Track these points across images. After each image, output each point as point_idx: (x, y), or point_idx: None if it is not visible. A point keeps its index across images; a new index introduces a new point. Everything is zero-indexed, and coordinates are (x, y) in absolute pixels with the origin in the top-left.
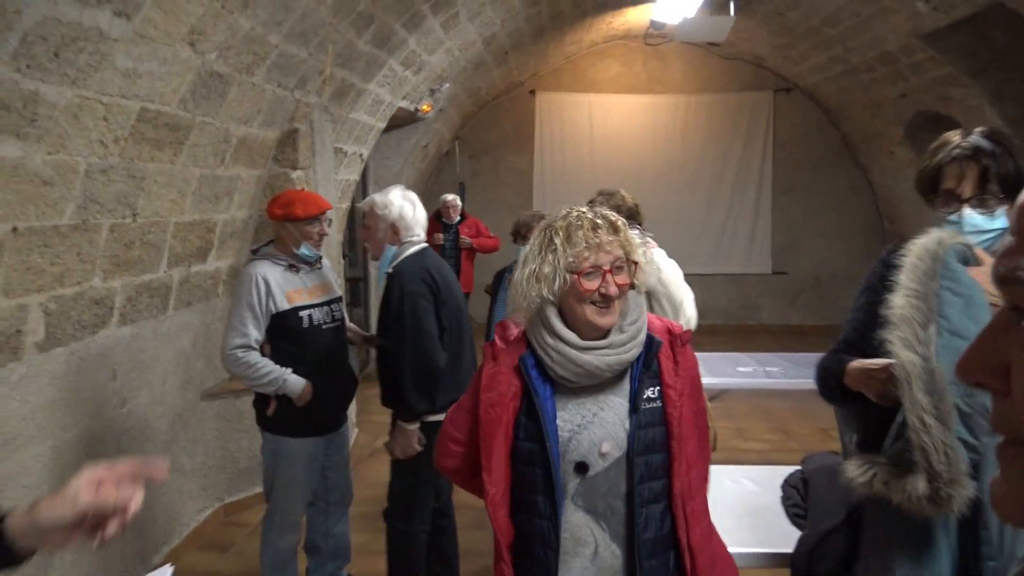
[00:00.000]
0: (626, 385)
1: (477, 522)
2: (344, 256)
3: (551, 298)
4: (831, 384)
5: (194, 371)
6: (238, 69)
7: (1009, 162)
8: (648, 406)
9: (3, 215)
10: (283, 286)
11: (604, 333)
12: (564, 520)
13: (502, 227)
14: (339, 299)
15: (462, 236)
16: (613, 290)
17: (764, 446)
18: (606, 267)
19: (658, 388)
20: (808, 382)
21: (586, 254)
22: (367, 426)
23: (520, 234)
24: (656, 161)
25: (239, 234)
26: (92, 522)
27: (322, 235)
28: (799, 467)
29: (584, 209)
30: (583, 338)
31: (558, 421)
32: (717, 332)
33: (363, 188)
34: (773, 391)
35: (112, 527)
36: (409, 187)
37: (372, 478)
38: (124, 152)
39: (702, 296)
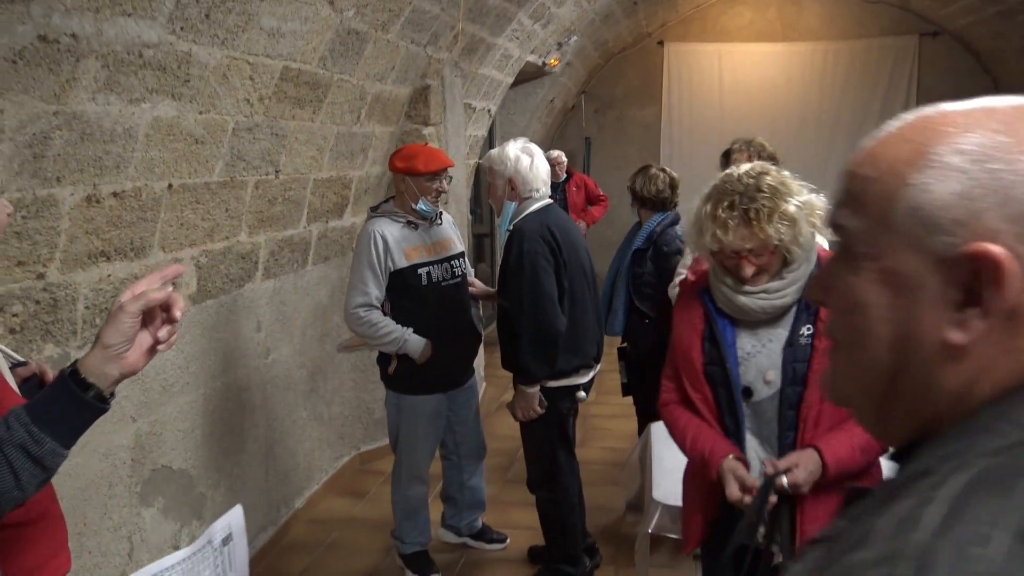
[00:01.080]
0: (791, 319)
1: (602, 477)
2: (472, 212)
3: (702, 252)
4: None
5: (331, 324)
6: (374, 26)
7: None
8: (804, 342)
9: (160, 173)
10: (401, 243)
11: (768, 280)
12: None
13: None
14: (461, 255)
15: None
16: (747, 273)
17: None
18: (742, 253)
19: (814, 326)
20: None
21: (721, 236)
22: (495, 380)
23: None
24: (789, 113)
25: (373, 190)
26: (148, 326)
27: (440, 192)
28: None
29: (736, 181)
30: (744, 283)
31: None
32: None
33: (490, 144)
34: None
35: (164, 330)
36: (535, 142)
37: (501, 431)
38: (268, 110)
39: None
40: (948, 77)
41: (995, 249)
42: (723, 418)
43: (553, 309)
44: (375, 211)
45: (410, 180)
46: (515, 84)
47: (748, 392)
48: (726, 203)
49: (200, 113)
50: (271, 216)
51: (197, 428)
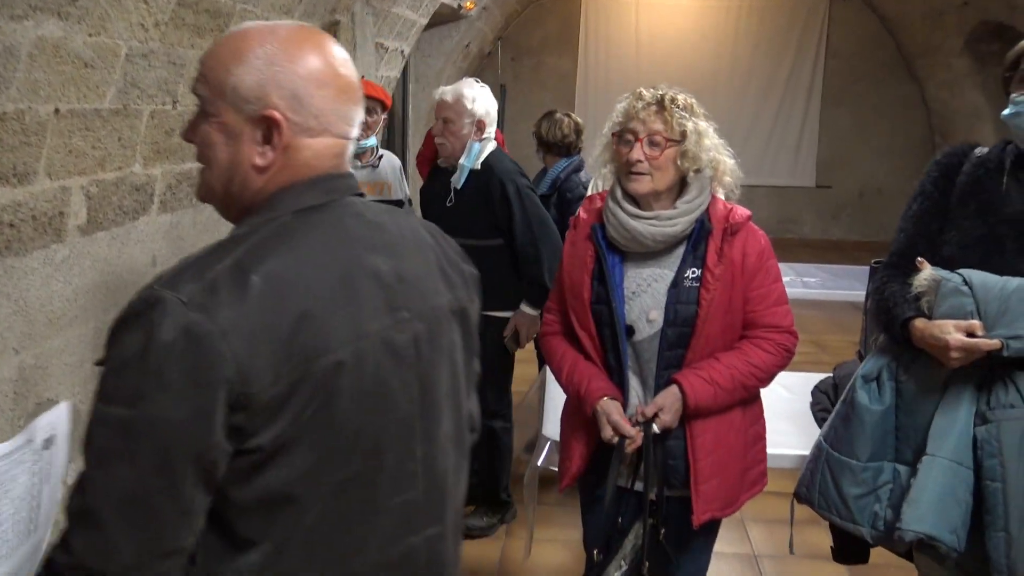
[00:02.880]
0: (678, 260)
1: None
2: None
3: (606, 158)
4: (893, 329)
5: None
6: None
7: None
8: (688, 284)
9: (46, 96)
10: None
11: (659, 205)
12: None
13: None
14: (399, 203)
15: None
16: (635, 155)
17: (798, 358)
18: (640, 135)
19: (701, 270)
20: (845, 294)
21: (622, 119)
22: None
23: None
24: (703, 67)
25: None
26: None
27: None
28: (831, 375)
29: (659, 87)
30: (638, 207)
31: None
32: None
33: (403, 86)
34: (809, 301)
35: None
36: (449, 87)
37: None
38: (165, 37)
39: (743, 206)
40: (854, 39)
41: (276, 114)
42: (607, 356)
43: (555, 229)
44: None
45: None
46: (430, 26)
47: (631, 331)
48: (635, 95)
49: (89, 35)
50: (168, 148)
51: (86, 361)
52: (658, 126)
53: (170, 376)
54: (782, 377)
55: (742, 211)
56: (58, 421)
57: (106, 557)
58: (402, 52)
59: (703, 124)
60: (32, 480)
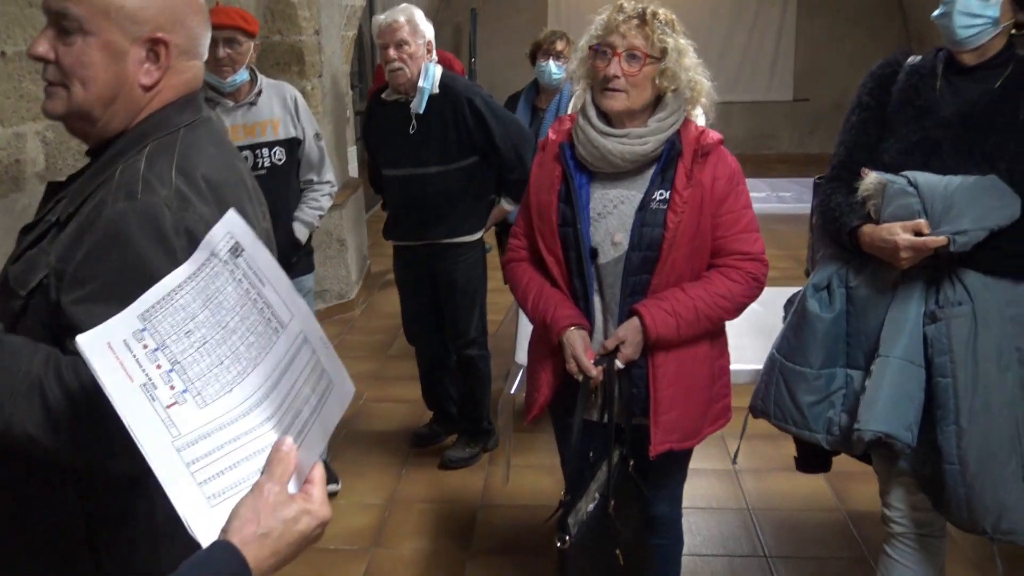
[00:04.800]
0: (646, 182)
1: None
2: (353, 87)
3: (581, 73)
4: (841, 238)
5: None
6: None
7: None
8: (655, 207)
9: None
10: None
11: (632, 124)
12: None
13: (517, 55)
14: (276, 144)
15: None
16: (613, 70)
17: (776, 273)
18: (618, 50)
19: (669, 192)
20: None
21: (601, 32)
22: (380, 259)
23: (542, 50)
24: None
25: None
26: None
27: (219, 60)
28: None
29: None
30: (611, 126)
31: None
32: None
33: (369, 13)
34: (785, 216)
35: None
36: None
37: (383, 308)
38: None
39: (719, 126)
40: None
41: (162, 35)
42: (572, 281)
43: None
44: None
45: None
46: None
47: (595, 253)
48: (615, 7)
49: None
50: None
51: None
52: (638, 41)
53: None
54: None
55: (714, 134)
56: (233, 227)
57: None
58: None
59: (683, 42)
60: (242, 286)
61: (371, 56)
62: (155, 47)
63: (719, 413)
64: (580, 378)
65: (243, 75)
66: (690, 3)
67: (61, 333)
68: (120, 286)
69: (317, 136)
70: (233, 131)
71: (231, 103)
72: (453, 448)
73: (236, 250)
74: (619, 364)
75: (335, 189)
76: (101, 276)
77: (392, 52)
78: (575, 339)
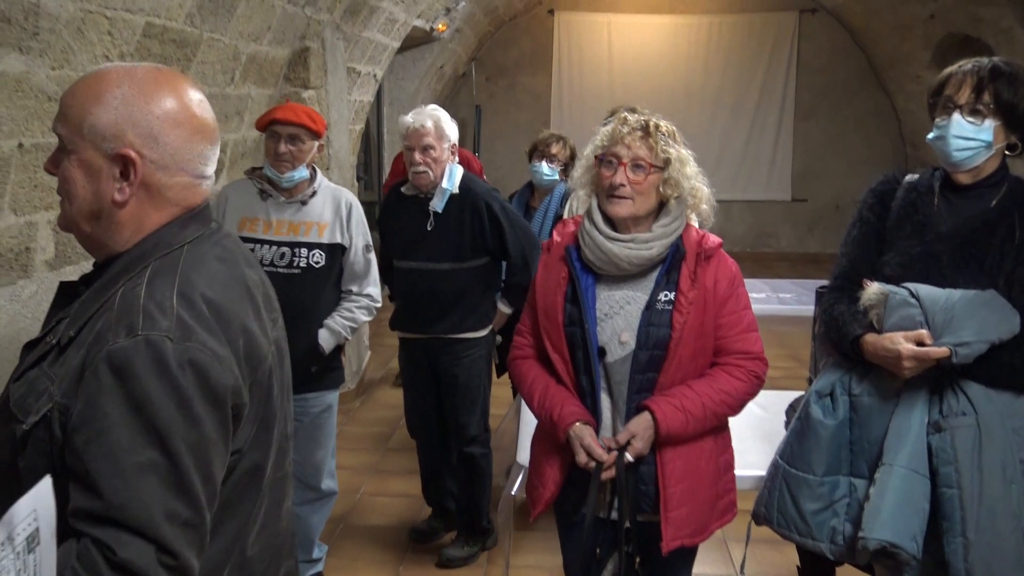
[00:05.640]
0: (651, 284)
1: None
2: (359, 179)
3: (586, 180)
4: (844, 347)
5: None
6: None
7: (1016, 89)
8: (661, 308)
9: (9, 131)
10: (241, 209)
11: (636, 229)
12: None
13: (519, 151)
14: (318, 247)
15: None
16: (619, 179)
17: (777, 373)
18: (623, 159)
19: (674, 293)
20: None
21: (607, 143)
22: (380, 349)
23: (537, 151)
24: (676, 84)
25: (250, 154)
26: None
27: (279, 155)
28: (805, 392)
29: (643, 113)
30: (616, 231)
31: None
32: (733, 259)
33: (378, 109)
34: (786, 317)
35: None
36: None
37: (384, 399)
38: None
39: (719, 223)
40: (825, 53)
41: (131, 152)
42: (579, 378)
43: None
44: (247, 172)
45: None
46: (403, 49)
47: (603, 352)
48: (619, 120)
49: (53, 69)
50: None
51: None
52: (642, 152)
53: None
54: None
55: (714, 238)
56: (40, 507)
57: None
58: (375, 76)
59: (684, 152)
60: None
61: (377, 148)
62: (124, 163)
63: (725, 508)
64: (592, 466)
65: (302, 173)
66: (691, 104)
67: (65, 471)
68: (128, 425)
69: (367, 248)
70: (278, 226)
71: (284, 198)
72: (452, 546)
73: (32, 541)
74: (629, 458)
75: (376, 304)
76: (109, 415)
77: (418, 156)
78: (583, 431)
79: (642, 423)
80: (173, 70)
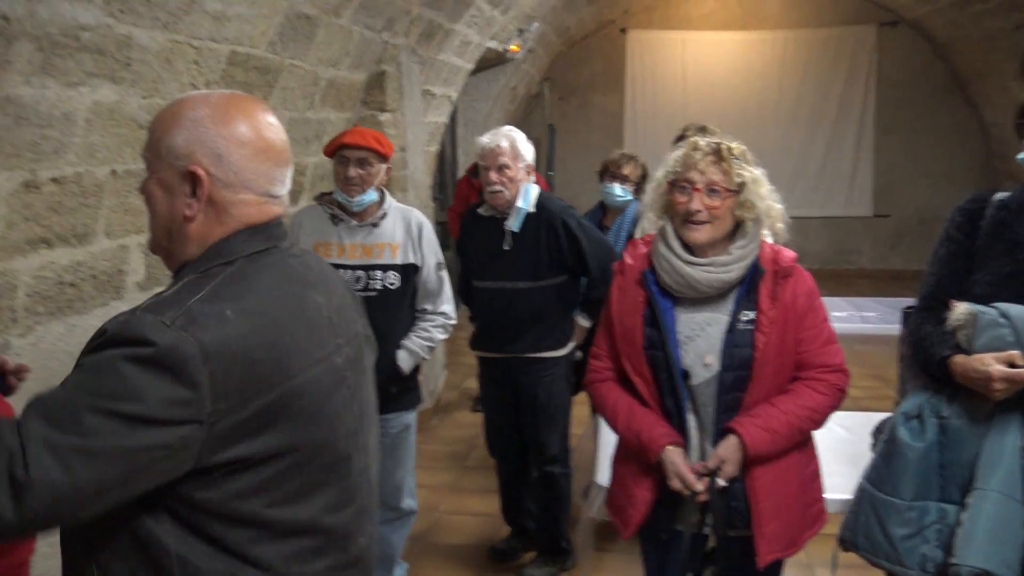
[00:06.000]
0: (731, 304)
1: None
2: (434, 199)
3: (656, 204)
4: (932, 369)
5: None
6: (325, 11)
7: None
8: (742, 328)
9: (103, 158)
10: (313, 235)
11: (713, 252)
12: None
13: (592, 170)
14: (393, 268)
15: None
16: (695, 206)
17: (860, 393)
18: (697, 185)
19: (755, 313)
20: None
21: (679, 168)
22: (457, 367)
23: (608, 172)
24: (750, 101)
25: (328, 177)
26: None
27: (349, 179)
28: (892, 414)
29: (713, 136)
30: (692, 254)
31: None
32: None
33: (452, 131)
34: (869, 336)
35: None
36: None
37: (461, 418)
38: None
39: (797, 240)
40: (906, 66)
41: (198, 169)
42: (664, 401)
43: None
44: (316, 197)
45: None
46: (477, 71)
47: (686, 375)
48: (690, 145)
49: (143, 98)
50: None
51: None
52: (716, 176)
53: (153, 389)
54: (841, 417)
55: (789, 253)
56: None
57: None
58: (449, 98)
59: (757, 172)
60: None
61: (452, 169)
62: (193, 180)
63: (815, 517)
64: (687, 493)
65: (371, 196)
66: (765, 121)
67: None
68: (88, 385)
69: (439, 266)
70: (351, 250)
71: (355, 222)
72: (531, 566)
73: None
74: (721, 483)
75: (451, 322)
76: (81, 364)
77: (493, 175)
78: (676, 457)
79: (731, 447)
80: (248, 95)
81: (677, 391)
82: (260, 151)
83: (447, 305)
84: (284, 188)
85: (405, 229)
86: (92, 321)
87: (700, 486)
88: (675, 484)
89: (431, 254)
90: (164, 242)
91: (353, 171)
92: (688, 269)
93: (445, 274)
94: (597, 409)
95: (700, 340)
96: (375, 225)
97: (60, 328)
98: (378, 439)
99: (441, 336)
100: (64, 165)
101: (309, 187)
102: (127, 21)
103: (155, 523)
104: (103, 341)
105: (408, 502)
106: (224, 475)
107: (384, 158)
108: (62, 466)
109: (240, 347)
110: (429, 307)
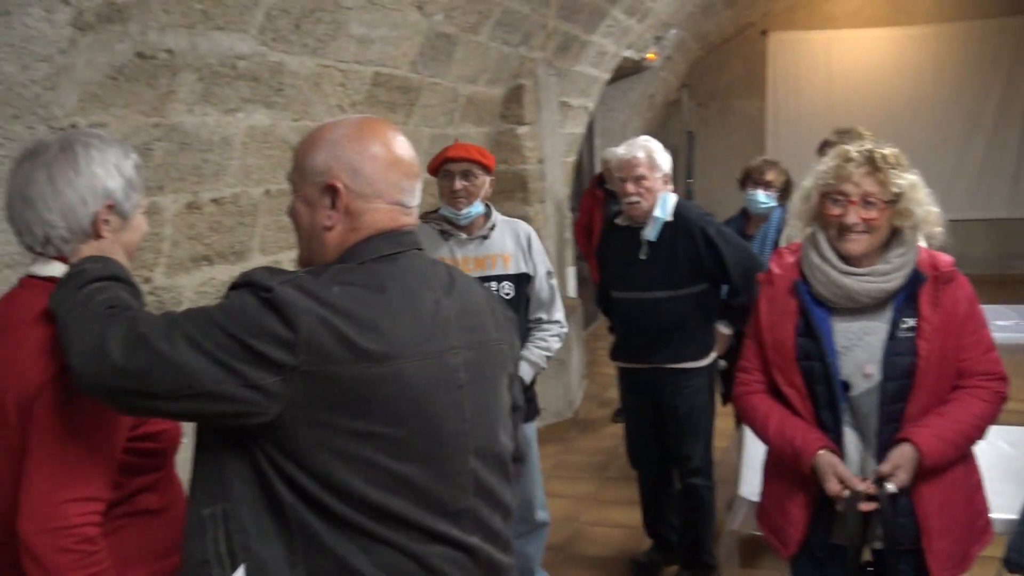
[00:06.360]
0: (890, 312)
1: None
2: (572, 210)
3: (807, 210)
4: None
5: None
6: (463, 29)
7: None
8: (903, 335)
9: (258, 179)
10: (428, 252)
11: (869, 261)
12: None
13: (733, 176)
14: (508, 277)
15: None
16: (851, 219)
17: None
18: (852, 197)
19: (915, 320)
20: None
21: (832, 180)
22: (598, 376)
23: (751, 179)
24: (900, 99)
25: None
26: None
27: (455, 192)
28: None
29: (865, 142)
30: (848, 263)
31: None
32: (974, 283)
33: (589, 141)
34: None
35: None
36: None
37: (602, 429)
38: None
39: (956, 245)
40: None
41: (337, 182)
42: (820, 413)
43: None
44: (422, 217)
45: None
46: (613, 80)
47: (846, 386)
48: (842, 154)
49: (294, 120)
50: None
51: None
52: (872, 188)
53: (263, 321)
54: (1006, 432)
55: (946, 258)
56: None
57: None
58: (586, 108)
59: (913, 177)
60: None
61: (589, 177)
62: (332, 193)
63: (981, 530)
64: (845, 495)
65: (477, 208)
66: (917, 120)
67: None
68: (218, 306)
69: (549, 274)
70: (464, 263)
71: (464, 236)
72: None
73: None
74: (892, 488)
75: (565, 330)
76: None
77: (631, 186)
78: (833, 459)
79: (906, 454)
80: (380, 118)
81: (836, 403)
82: (391, 164)
83: (560, 313)
84: (414, 200)
85: (515, 239)
86: None
87: (863, 486)
88: (833, 485)
89: (542, 263)
90: (308, 254)
91: (459, 184)
92: (846, 280)
93: (555, 283)
94: (746, 421)
95: (859, 350)
96: (485, 237)
97: None
98: (505, 450)
99: (557, 345)
100: (223, 187)
101: None
102: (279, 49)
103: (272, 472)
104: (235, 283)
105: (540, 514)
106: (321, 442)
107: (488, 170)
108: (169, 340)
109: (338, 314)
110: (544, 316)
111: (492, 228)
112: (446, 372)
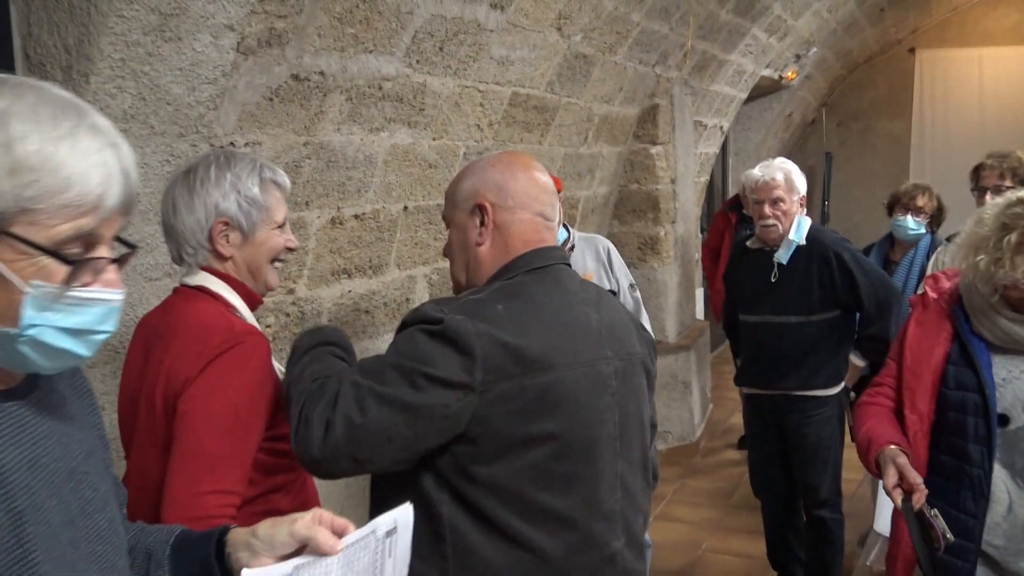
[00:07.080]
0: None
1: None
2: (703, 230)
3: (981, 248)
4: None
5: None
6: (601, 49)
7: None
8: None
9: (397, 196)
10: None
11: None
12: None
13: (874, 199)
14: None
15: None
16: None
17: None
18: None
19: None
20: None
21: (1019, 266)
22: (722, 402)
23: (900, 204)
24: None
25: (599, 209)
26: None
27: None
28: None
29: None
30: (1016, 310)
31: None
32: None
33: (723, 161)
34: None
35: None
36: (772, 159)
37: (726, 455)
38: (497, 135)
39: None
40: None
41: (484, 201)
42: (968, 447)
43: None
44: None
45: None
46: (749, 99)
47: (1004, 419)
48: None
49: (434, 139)
50: None
51: None
52: None
53: (439, 355)
54: None
55: None
56: (400, 517)
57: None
58: (721, 128)
59: None
60: (374, 558)
61: (721, 199)
62: (480, 211)
63: None
64: (900, 497)
65: (562, 234)
66: None
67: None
68: (392, 350)
69: (632, 287)
70: None
71: None
72: None
73: (391, 532)
74: (916, 505)
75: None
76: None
77: (767, 209)
78: (897, 452)
79: None
80: (516, 151)
81: (991, 437)
82: (531, 180)
83: (647, 324)
84: (555, 214)
85: (595, 256)
86: (382, 345)
87: (919, 480)
88: (890, 479)
89: (623, 276)
90: (466, 276)
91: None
92: (1017, 328)
93: (639, 295)
94: (851, 428)
95: (1020, 382)
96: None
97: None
98: (647, 457)
99: None
100: (364, 203)
101: (581, 219)
102: (423, 71)
103: (436, 491)
104: (404, 323)
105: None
106: (498, 451)
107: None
108: (360, 407)
109: (506, 332)
110: None
111: (571, 249)
112: (600, 379)
